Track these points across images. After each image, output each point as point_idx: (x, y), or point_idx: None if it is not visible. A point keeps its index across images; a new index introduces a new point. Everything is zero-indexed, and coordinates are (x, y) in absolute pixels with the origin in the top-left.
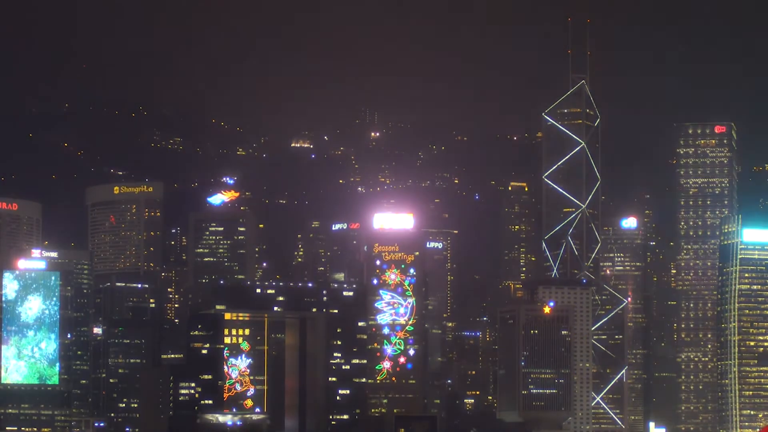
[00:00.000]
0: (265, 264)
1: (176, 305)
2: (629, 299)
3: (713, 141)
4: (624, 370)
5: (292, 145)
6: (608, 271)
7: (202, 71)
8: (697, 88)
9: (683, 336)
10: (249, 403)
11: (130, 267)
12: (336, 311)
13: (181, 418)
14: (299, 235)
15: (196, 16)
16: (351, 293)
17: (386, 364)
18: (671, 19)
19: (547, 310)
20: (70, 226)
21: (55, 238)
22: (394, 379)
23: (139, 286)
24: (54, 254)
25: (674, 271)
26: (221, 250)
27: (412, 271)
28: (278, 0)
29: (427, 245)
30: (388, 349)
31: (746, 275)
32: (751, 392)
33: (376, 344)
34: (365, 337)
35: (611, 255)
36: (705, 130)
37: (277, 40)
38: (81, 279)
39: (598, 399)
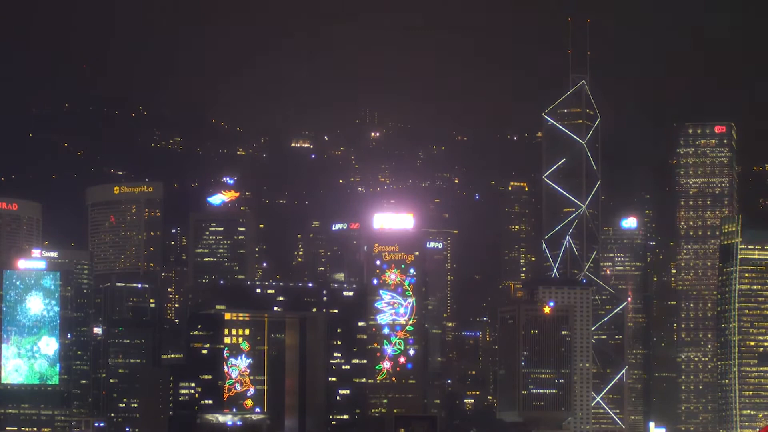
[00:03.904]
0: (265, 264)
1: (176, 305)
2: (629, 299)
3: (713, 141)
4: (624, 370)
5: (292, 145)
6: (608, 271)
7: (203, 71)
8: (697, 88)
9: (683, 336)
10: (249, 403)
11: (130, 267)
12: (336, 311)
13: (181, 418)
14: (299, 235)
15: (197, 15)
16: (351, 293)
17: (386, 364)
18: (670, 19)
19: (547, 310)
20: (70, 226)
21: (55, 238)
22: (394, 379)
23: (139, 286)
24: (54, 254)
25: (674, 271)
26: (221, 250)
27: (412, 271)
28: (279, 0)
29: (427, 245)
30: (388, 349)
31: (746, 275)
32: (751, 392)
33: (376, 344)
34: (365, 337)
35: (611, 255)
36: (705, 130)
37: (278, 40)
38: (81, 279)
39: (598, 399)
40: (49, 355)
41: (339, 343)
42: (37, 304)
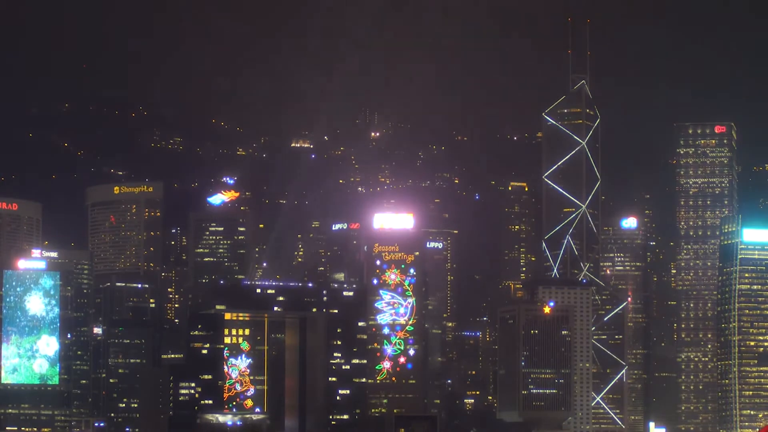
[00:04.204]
0: (265, 264)
1: (176, 305)
2: (629, 299)
3: (713, 141)
4: (624, 370)
5: (292, 145)
6: (608, 271)
7: (203, 71)
8: (697, 88)
9: (683, 336)
10: (249, 403)
11: (130, 267)
12: (336, 311)
13: (181, 418)
14: (299, 235)
15: (196, 15)
16: (351, 293)
17: (386, 364)
18: (671, 19)
19: (547, 310)
20: (70, 226)
21: (55, 238)
22: (394, 379)
23: (139, 286)
24: (54, 254)
25: (674, 271)
26: (221, 250)
27: (412, 271)
28: (279, 1)
29: (427, 245)
30: (388, 349)
31: (746, 275)
32: (751, 392)
33: (376, 344)
34: (365, 337)
35: (611, 255)
36: (705, 130)
37: (277, 41)
38: (81, 279)
39: (598, 399)
40: (49, 355)
41: (339, 343)
42: (37, 304)
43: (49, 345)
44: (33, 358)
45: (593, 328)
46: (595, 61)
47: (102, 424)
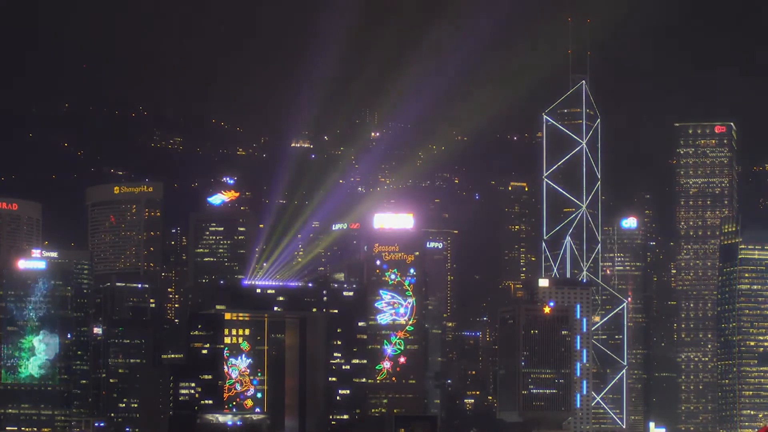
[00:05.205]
0: (265, 264)
1: (176, 305)
2: (629, 299)
3: (713, 141)
4: (624, 370)
5: (292, 145)
6: (608, 271)
7: (203, 71)
8: (697, 88)
9: (683, 336)
10: (249, 403)
11: (130, 267)
12: (336, 311)
13: (181, 418)
14: (299, 235)
15: (196, 15)
16: (351, 293)
17: (386, 364)
18: (672, 19)
19: (547, 310)
20: (70, 226)
21: (55, 238)
22: (394, 379)
23: (139, 286)
24: (54, 254)
25: (674, 271)
26: (221, 250)
27: (412, 271)
28: (278, 0)
29: (427, 245)
30: (388, 349)
31: (746, 275)
32: (751, 392)
33: (376, 344)
34: (365, 337)
35: (611, 255)
36: (705, 130)
37: (277, 40)
38: (81, 279)
39: (598, 399)
40: (49, 355)
41: (339, 343)
42: (37, 304)
43: (49, 345)
44: (33, 358)
45: (593, 328)
46: (595, 61)
47: (102, 424)
